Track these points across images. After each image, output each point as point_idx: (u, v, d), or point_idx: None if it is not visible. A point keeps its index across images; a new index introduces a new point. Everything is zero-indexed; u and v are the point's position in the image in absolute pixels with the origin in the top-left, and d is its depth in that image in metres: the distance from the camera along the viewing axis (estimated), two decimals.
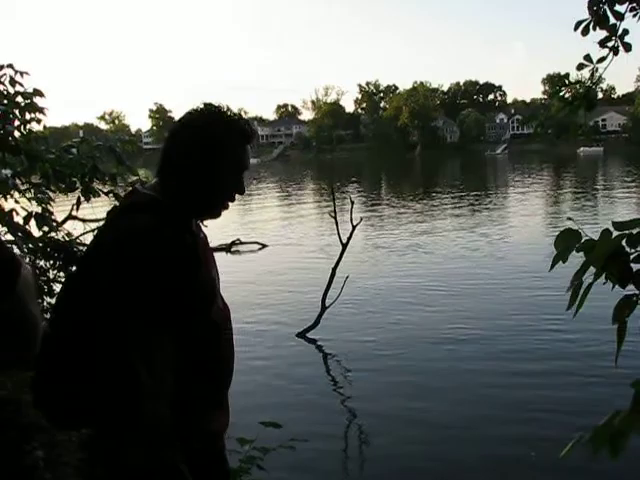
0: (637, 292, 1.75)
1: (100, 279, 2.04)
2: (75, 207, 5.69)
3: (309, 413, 8.36)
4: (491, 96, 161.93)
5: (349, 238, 13.01)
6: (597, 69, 3.15)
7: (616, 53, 3.08)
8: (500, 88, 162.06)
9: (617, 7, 3.07)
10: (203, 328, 2.21)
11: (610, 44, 3.04)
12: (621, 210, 27.97)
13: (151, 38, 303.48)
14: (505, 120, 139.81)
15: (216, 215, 2.32)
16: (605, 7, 3.02)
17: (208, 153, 2.19)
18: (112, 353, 2.00)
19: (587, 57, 3.12)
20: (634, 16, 2.99)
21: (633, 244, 1.78)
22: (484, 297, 13.87)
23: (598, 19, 3.05)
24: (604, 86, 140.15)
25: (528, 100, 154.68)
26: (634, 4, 2.94)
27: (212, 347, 2.26)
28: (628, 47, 3.07)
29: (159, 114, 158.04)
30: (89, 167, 5.05)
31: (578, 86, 3.41)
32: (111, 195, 5.38)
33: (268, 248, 21.74)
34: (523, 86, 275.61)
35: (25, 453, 3.90)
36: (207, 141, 2.19)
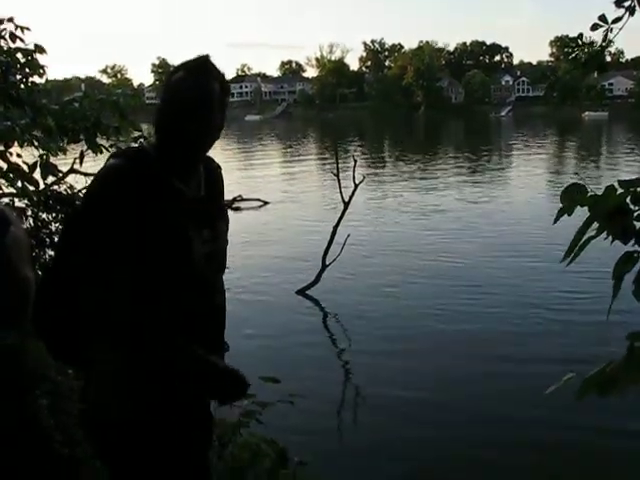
0: (638, 249, 1.77)
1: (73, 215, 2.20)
2: (79, 160, 5.68)
3: (308, 370, 8.43)
4: (497, 57, 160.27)
5: (351, 197, 13.00)
6: (612, 30, 3.11)
7: (632, 13, 3.03)
8: (507, 49, 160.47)
9: None
10: (162, 278, 2.21)
11: (627, 3, 3.00)
12: (623, 174, 27.91)
13: None
14: (511, 82, 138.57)
15: (184, 161, 2.32)
16: None
17: (164, 101, 2.29)
18: (83, 284, 2.12)
19: (602, 17, 3.07)
20: None
21: (638, 202, 1.79)
22: (485, 259, 13.87)
23: None
24: (612, 50, 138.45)
25: (535, 62, 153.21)
26: None
27: (182, 310, 2.27)
28: None
29: (162, 69, 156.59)
30: (93, 120, 5.03)
31: (590, 48, 3.37)
32: (114, 149, 5.35)
33: (270, 205, 21.74)
34: (530, 48, 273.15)
35: (29, 400, 3.95)
36: (165, 89, 2.31)
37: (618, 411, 6.05)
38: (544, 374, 7.20)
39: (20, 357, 3.88)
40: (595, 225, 1.80)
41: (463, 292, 11.42)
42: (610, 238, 1.82)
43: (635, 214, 1.81)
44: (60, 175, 5.76)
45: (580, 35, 3.29)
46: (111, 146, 5.30)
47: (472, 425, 7.05)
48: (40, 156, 4.98)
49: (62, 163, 6.20)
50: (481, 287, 11.68)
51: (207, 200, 2.40)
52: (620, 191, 1.83)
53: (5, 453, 2.66)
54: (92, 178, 2.31)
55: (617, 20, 3.01)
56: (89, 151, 5.39)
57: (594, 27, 3.08)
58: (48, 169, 5.03)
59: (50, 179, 5.62)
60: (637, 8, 2.95)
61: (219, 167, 2.54)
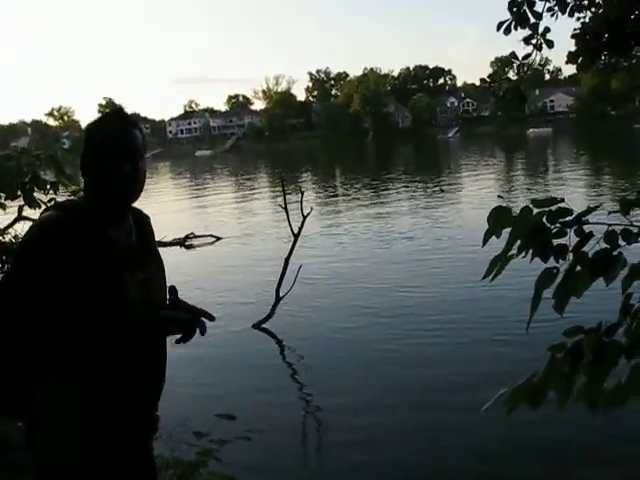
0: (557, 265, 1.90)
1: (15, 273, 2.29)
2: (18, 214, 5.70)
3: (265, 405, 8.37)
4: (441, 80, 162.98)
5: (300, 228, 13.10)
6: (530, 62, 3.28)
7: (540, 49, 3.23)
8: (450, 72, 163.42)
9: (537, 6, 3.22)
10: (99, 324, 2.27)
11: (533, 41, 3.19)
12: (570, 188, 28.53)
13: (99, 33, 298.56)
14: (456, 103, 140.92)
15: (114, 211, 2.41)
16: (525, 7, 3.17)
17: (90, 154, 2.39)
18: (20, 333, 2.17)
19: (512, 54, 3.26)
20: (552, 16, 3.14)
21: (552, 220, 1.93)
22: (438, 278, 14.02)
23: (519, 19, 3.20)
24: (551, 68, 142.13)
25: (478, 83, 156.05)
26: (550, 3, 3.09)
27: (119, 354, 2.32)
28: (550, 44, 3.22)
29: (109, 108, 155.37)
30: (30, 176, 5.07)
31: (512, 76, 3.55)
32: (52, 203, 5.37)
33: (222, 241, 21.68)
34: (473, 69, 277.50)
35: None
36: (88, 142, 2.40)
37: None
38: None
39: None
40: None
41: (419, 322, 11.38)
42: (530, 256, 1.96)
43: (552, 232, 1.95)
44: (2, 228, 5.76)
45: (495, 72, 3.47)
46: (49, 201, 5.33)
47: (431, 451, 7.10)
48: None
49: (4, 214, 6.21)
50: (435, 315, 11.65)
51: (139, 246, 2.48)
52: (536, 211, 1.97)
53: None
54: (27, 231, 2.37)
55: (527, 56, 3.20)
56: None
57: (507, 63, 3.25)
58: None
59: None
60: (544, 45, 3.16)
61: (148, 217, 2.64)
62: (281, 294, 12.11)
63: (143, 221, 2.59)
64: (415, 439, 7.33)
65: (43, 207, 5.35)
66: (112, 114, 2.47)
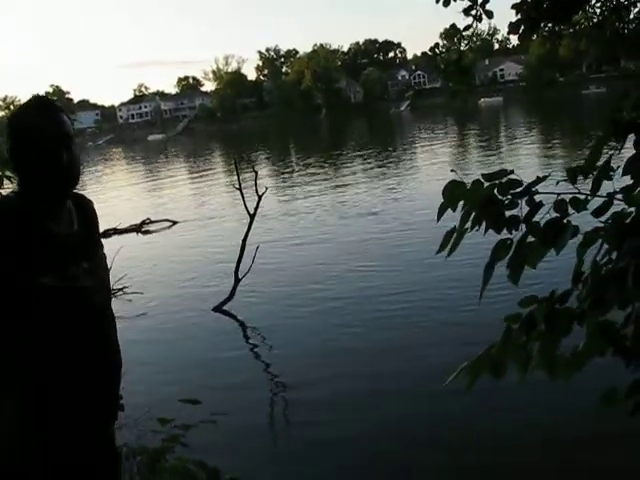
0: (510, 236, 1.92)
1: None
2: None
3: (229, 387, 8.37)
4: (391, 54, 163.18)
5: (256, 208, 13.04)
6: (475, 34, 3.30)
7: (479, 20, 3.25)
8: (399, 45, 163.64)
9: None
10: (49, 319, 2.24)
11: (473, 12, 3.20)
12: (523, 157, 28.87)
13: (45, 20, 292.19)
14: (407, 76, 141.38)
15: (51, 201, 2.35)
16: None
17: (20, 144, 2.31)
18: None
19: (453, 26, 3.27)
20: None
21: (503, 192, 1.95)
22: (398, 255, 13.98)
23: None
24: (499, 37, 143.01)
25: (428, 53, 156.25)
26: None
27: (70, 343, 2.29)
28: (489, 14, 3.24)
29: (57, 96, 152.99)
30: None
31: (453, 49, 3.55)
32: None
33: (178, 225, 21.53)
34: (423, 41, 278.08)
35: None
36: (16, 133, 2.32)
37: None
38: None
39: None
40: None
41: (377, 300, 11.34)
42: (483, 229, 1.97)
43: (504, 203, 1.96)
44: None
45: (436, 45, 3.48)
46: None
47: (398, 425, 7.14)
48: None
49: None
50: (395, 293, 11.53)
51: (81, 234, 2.43)
52: (487, 184, 1.98)
53: None
54: None
55: (468, 27, 3.21)
56: None
57: (448, 35, 3.27)
58: None
59: None
60: (483, 16, 3.17)
61: (90, 202, 2.58)
62: (240, 276, 12.07)
63: (85, 206, 2.53)
64: (379, 415, 7.35)
65: None
66: (34, 102, 2.37)
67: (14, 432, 2.21)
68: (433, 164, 30.63)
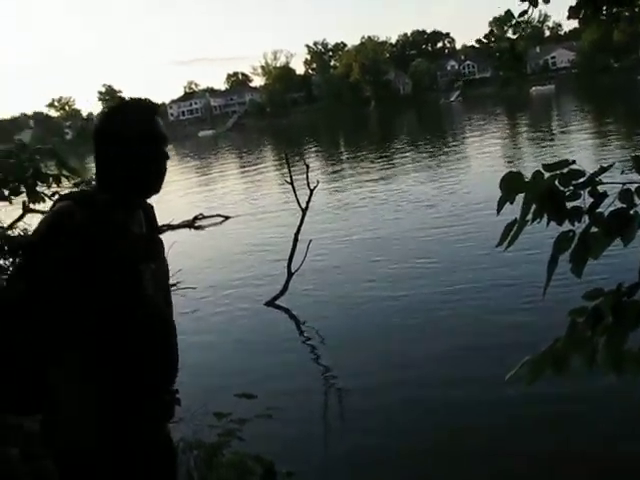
0: (573, 228, 1.87)
1: (25, 263, 2.27)
2: (23, 209, 5.70)
3: (284, 381, 8.38)
4: (440, 44, 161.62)
5: (307, 202, 13.04)
6: (526, 22, 3.22)
7: (535, 5, 3.16)
8: (448, 35, 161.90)
9: None
10: (116, 316, 2.28)
11: None
12: (574, 148, 28.26)
13: (96, 20, 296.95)
14: (456, 67, 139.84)
15: (141, 197, 2.44)
16: None
17: (102, 142, 2.37)
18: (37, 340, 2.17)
19: (508, 13, 3.19)
20: None
21: (565, 183, 1.89)
22: (453, 247, 13.76)
23: None
24: (550, 24, 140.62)
25: (477, 45, 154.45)
26: None
27: (140, 341, 2.35)
28: None
29: (109, 95, 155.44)
30: (31, 171, 5.06)
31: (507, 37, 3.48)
32: (56, 197, 5.38)
33: (231, 220, 21.67)
34: (471, 31, 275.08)
35: None
36: (118, 134, 2.35)
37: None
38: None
39: None
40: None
41: (435, 293, 11.12)
42: (545, 221, 1.92)
43: (566, 195, 1.91)
44: (5, 228, 5.77)
45: (490, 32, 3.41)
46: (53, 194, 5.34)
47: (459, 420, 6.97)
48: None
49: (11, 208, 6.19)
50: (452, 285, 11.27)
51: (148, 236, 2.49)
52: (548, 175, 1.93)
53: None
54: (40, 221, 2.34)
55: (523, 13, 3.13)
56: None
57: (502, 23, 3.19)
58: None
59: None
60: (539, 0, 3.08)
61: (152, 206, 2.62)
62: (292, 270, 12.09)
63: (148, 210, 2.57)
64: (435, 415, 7.20)
65: (48, 200, 5.36)
66: (132, 102, 2.45)
67: (94, 420, 2.25)
68: (485, 155, 30.19)
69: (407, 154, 35.94)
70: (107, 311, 2.23)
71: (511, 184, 1.93)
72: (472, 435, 6.67)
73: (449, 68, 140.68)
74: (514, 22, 3.20)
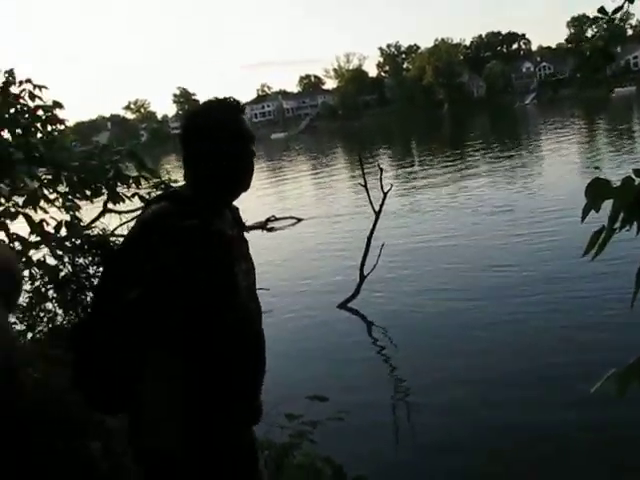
0: None
1: (123, 263, 2.26)
2: (104, 208, 5.82)
3: (355, 385, 8.36)
4: (515, 45, 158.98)
5: (381, 206, 12.99)
6: (618, 18, 3.09)
7: (632, 1, 3.01)
8: (524, 36, 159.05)
9: None
10: (218, 321, 2.29)
11: None
12: None
13: (168, 23, 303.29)
14: (532, 69, 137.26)
15: (230, 196, 2.44)
16: None
17: (191, 141, 2.37)
18: (131, 342, 2.18)
19: (601, 10, 3.06)
20: None
21: None
22: (533, 255, 13.29)
23: None
24: (633, 22, 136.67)
25: (554, 46, 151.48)
26: None
27: (231, 344, 2.35)
28: None
29: (183, 98, 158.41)
30: (112, 173, 5.17)
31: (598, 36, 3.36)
32: (136, 197, 5.50)
33: (303, 222, 21.77)
34: (548, 32, 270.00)
35: (80, 446, 4.06)
36: (211, 133, 2.36)
37: None
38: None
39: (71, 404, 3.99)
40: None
41: (513, 302, 10.74)
42: (635, 229, 1.83)
43: None
44: (85, 228, 5.91)
45: (573, 34, 3.30)
46: (133, 195, 5.45)
47: (530, 427, 6.86)
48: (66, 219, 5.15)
49: (95, 205, 6.34)
50: (532, 295, 10.90)
51: (238, 236, 2.50)
52: (638, 180, 1.84)
53: None
54: (135, 223, 2.37)
55: (618, 10, 3.00)
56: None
57: (594, 21, 3.07)
58: (75, 229, 5.18)
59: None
60: None
61: (237, 208, 2.62)
62: (365, 273, 12.05)
63: (235, 212, 2.58)
64: (508, 436, 6.96)
65: (127, 201, 5.48)
66: (221, 102, 2.43)
67: (179, 421, 2.25)
68: (563, 159, 29.50)
69: (481, 157, 35.47)
70: (199, 311, 2.22)
71: (598, 191, 1.84)
72: (550, 462, 6.35)
73: (524, 70, 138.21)
74: (607, 18, 3.06)
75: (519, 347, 9.01)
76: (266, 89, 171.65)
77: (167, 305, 2.16)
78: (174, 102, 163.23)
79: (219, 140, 2.32)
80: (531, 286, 11.34)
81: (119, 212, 6.94)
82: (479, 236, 15.75)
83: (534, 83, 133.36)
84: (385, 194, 13.04)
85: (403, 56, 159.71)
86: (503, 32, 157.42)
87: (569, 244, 12.37)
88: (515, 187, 22.89)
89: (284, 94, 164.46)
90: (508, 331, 9.60)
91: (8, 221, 4.93)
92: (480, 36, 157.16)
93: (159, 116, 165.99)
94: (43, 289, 6.41)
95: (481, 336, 9.59)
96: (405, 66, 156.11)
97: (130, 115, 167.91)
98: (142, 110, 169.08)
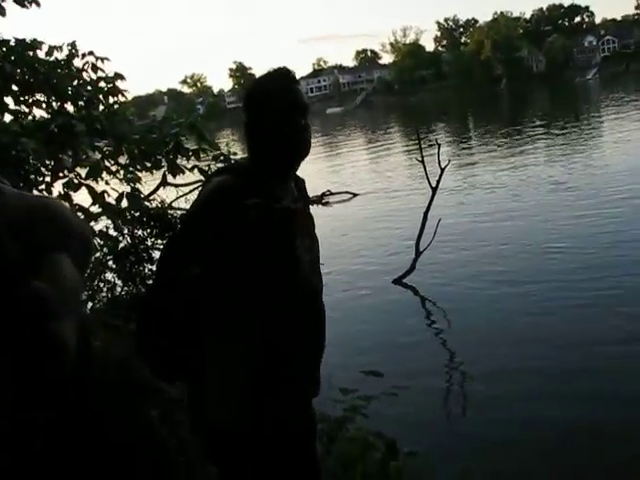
0: None
1: (185, 237, 2.27)
2: (162, 180, 5.90)
3: (409, 361, 8.34)
4: (578, 19, 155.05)
5: (438, 181, 12.86)
6: None
7: None
8: (587, 9, 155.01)
9: None
10: (279, 298, 2.29)
11: None
12: None
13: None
14: (594, 43, 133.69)
15: (288, 169, 2.42)
16: None
17: (255, 114, 2.35)
18: (190, 319, 2.19)
19: None
20: None
21: None
22: (596, 236, 12.75)
23: None
24: None
25: (619, 18, 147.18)
26: None
27: (291, 321, 2.35)
28: None
29: (239, 72, 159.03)
30: (172, 145, 5.22)
31: None
32: (195, 170, 5.56)
33: (359, 197, 21.71)
34: (613, 3, 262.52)
35: (141, 413, 4.15)
36: (253, 104, 2.37)
37: None
38: None
39: (133, 370, 4.08)
40: None
41: (574, 287, 10.30)
42: None
43: None
44: (145, 201, 5.99)
45: None
46: (192, 167, 5.51)
47: (588, 410, 6.70)
48: (127, 191, 5.22)
49: (155, 177, 6.41)
50: (594, 281, 10.39)
51: (302, 210, 2.48)
52: None
53: (125, 464, 2.80)
54: (198, 197, 2.37)
55: None
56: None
57: None
58: (135, 200, 5.25)
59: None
60: None
61: (304, 180, 2.61)
62: (421, 248, 11.99)
63: (301, 184, 2.57)
64: (576, 401, 6.89)
65: (187, 173, 5.54)
66: (274, 73, 2.41)
67: (246, 399, 2.28)
68: (627, 136, 28.46)
69: (541, 134, 34.76)
70: (262, 285, 2.23)
71: None
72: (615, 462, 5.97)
73: (586, 44, 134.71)
74: None
75: (579, 337, 8.61)
76: (322, 63, 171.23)
77: (219, 290, 2.18)
78: (230, 76, 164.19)
79: (275, 110, 2.30)
80: (588, 268, 10.96)
81: (176, 185, 7.03)
82: (539, 213, 15.35)
83: (597, 58, 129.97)
84: (442, 170, 12.90)
85: (461, 30, 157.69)
86: (565, 4, 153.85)
87: (635, 226, 12.09)
88: (576, 165, 22.21)
89: (340, 68, 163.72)
90: (568, 319, 9.22)
91: (72, 192, 5.02)
92: (541, 9, 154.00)
93: (215, 90, 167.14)
94: (103, 260, 6.55)
95: (539, 322, 9.26)
96: (463, 40, 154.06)
97: (187, 89, 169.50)
98: (198, 84, 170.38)
